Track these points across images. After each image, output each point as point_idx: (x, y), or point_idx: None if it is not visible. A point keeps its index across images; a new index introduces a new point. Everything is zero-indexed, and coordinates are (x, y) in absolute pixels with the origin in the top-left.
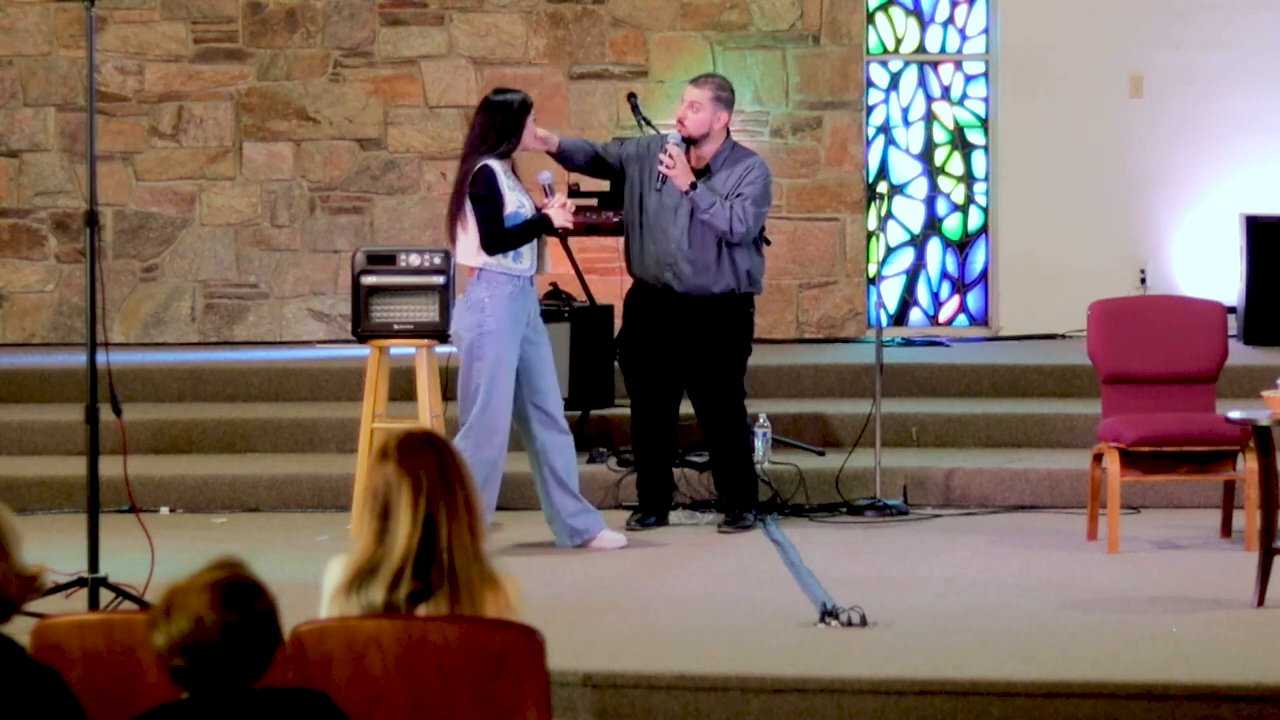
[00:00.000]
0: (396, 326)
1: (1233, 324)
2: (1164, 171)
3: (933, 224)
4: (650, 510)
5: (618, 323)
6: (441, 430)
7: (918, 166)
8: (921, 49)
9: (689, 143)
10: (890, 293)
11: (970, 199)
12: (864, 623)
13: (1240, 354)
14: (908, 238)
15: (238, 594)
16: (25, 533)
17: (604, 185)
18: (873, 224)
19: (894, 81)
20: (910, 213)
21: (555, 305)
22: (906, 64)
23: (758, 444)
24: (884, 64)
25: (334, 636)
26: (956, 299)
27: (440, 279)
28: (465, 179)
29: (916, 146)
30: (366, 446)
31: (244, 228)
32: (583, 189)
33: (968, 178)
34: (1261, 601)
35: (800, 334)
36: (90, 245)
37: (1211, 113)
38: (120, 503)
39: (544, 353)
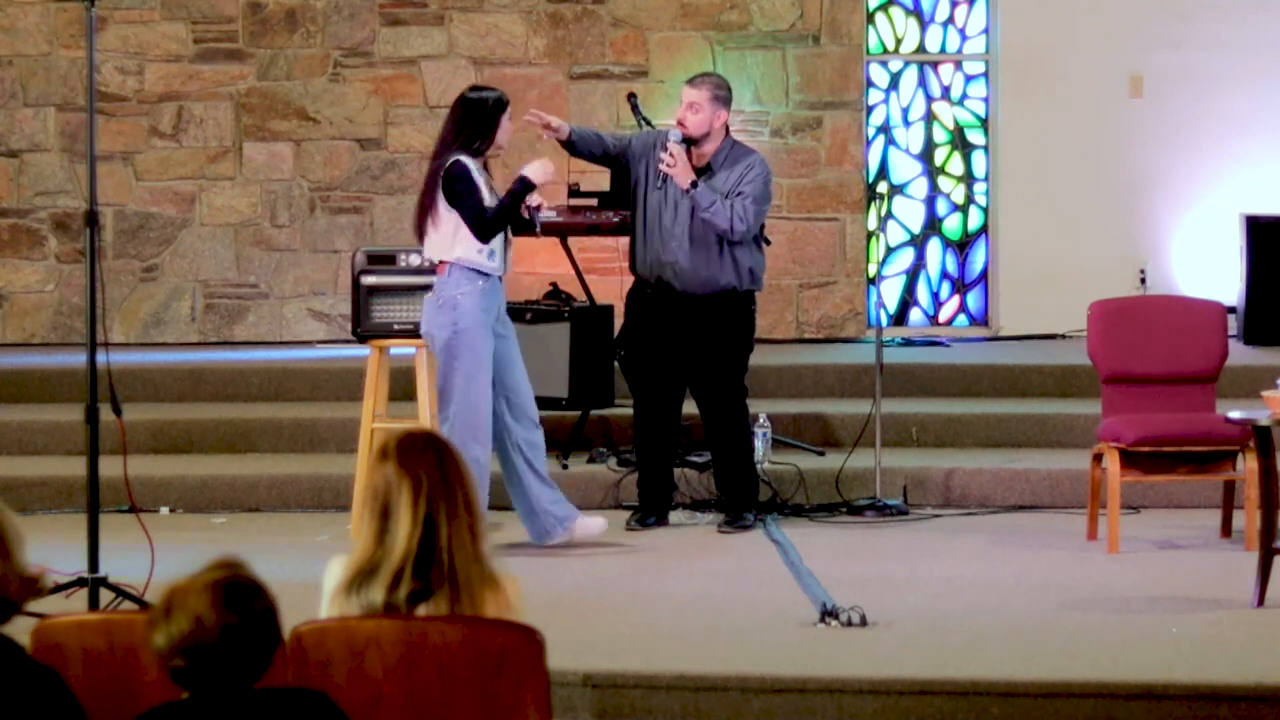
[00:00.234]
0: (396, 326)
1: (1233, 324)
2: (1164, 171)
3: (933, 224)
4: (650, 510)
5: (618, 323)
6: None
7: (918, 166)
8: (921, 49)
9: (689, 142)
10: (890, 293)
11: (970, 199)
12: (864, 623)
13: (1240, 354)
14: (908, 238)
15: (238, 594)
16: (25, 533)
17: (604, 185)
18: (873, 224)
19: (894, 81)
20: (910, 213)
21: (555, 305)
22: (906, 64)
23: (758, 444)
24: (884, 64)
25: (334, 636)
26: (956, 299)
27: None
28: (436, 175)
29: (916, 146)
30: (366, 446)
31: (244, 228)
32: (583, 189)
33: (968, 178)
34: (1261, 601)
35: (800, 334)
36: (90, 245)
37: (1211, 113)
38: (120, 503)
39: (513, 348)
